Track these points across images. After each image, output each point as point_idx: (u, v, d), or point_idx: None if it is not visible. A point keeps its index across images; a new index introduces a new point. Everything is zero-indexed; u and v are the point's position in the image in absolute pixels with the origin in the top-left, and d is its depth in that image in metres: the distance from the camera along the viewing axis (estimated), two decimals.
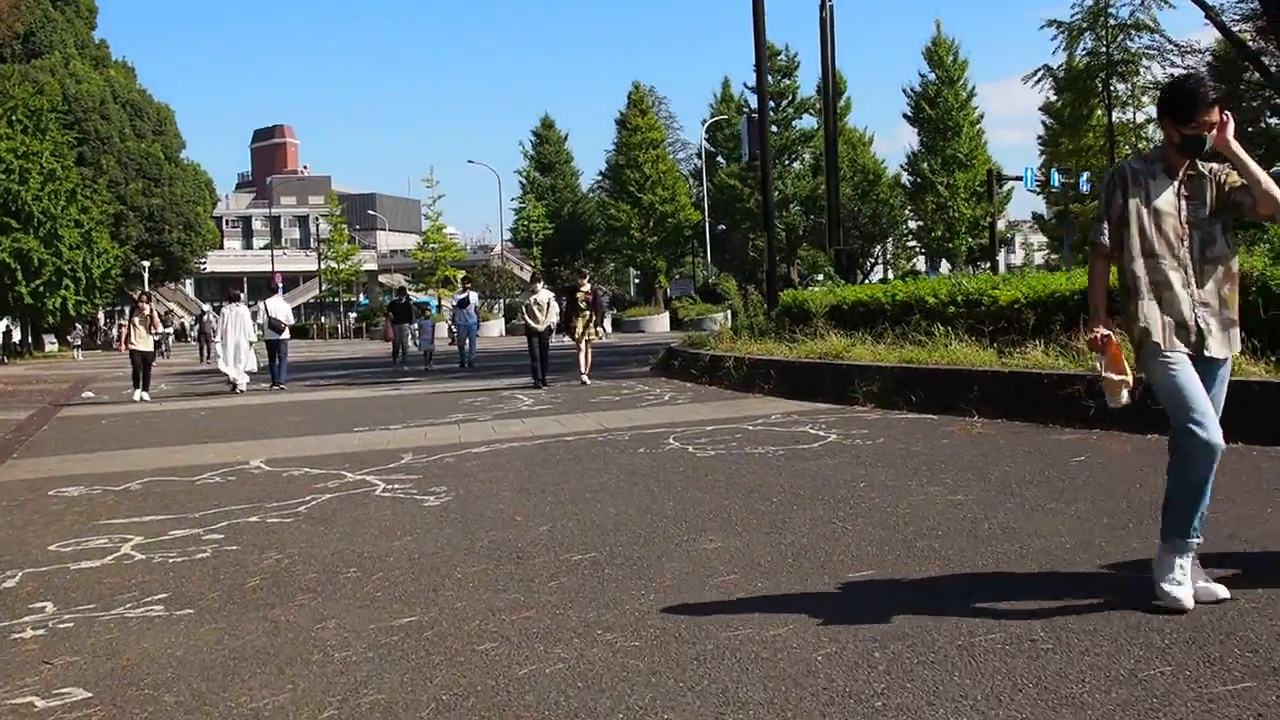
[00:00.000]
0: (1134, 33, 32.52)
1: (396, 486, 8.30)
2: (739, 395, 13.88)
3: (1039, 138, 62.08)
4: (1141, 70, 32.62)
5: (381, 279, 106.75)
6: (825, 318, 14.46)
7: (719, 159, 66.79)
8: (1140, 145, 34.12)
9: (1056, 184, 44.58)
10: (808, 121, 63.60)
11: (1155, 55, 32.75)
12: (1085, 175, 42.46)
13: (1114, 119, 32.67)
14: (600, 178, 76.74)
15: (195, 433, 13.42)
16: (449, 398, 16.65)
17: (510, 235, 74.07)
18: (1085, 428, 8.63)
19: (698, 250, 68.79)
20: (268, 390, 20.70)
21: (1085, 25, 32.91)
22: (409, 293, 30.20)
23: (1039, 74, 36.78)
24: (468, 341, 25.53)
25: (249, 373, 21.26)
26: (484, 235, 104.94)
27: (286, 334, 21.83)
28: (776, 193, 63.10)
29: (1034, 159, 67.10)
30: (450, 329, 29.13)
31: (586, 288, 18.39)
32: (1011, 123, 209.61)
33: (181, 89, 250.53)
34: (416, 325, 26.92)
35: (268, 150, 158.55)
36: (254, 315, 22.04)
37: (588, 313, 18.12)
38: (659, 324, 52.97)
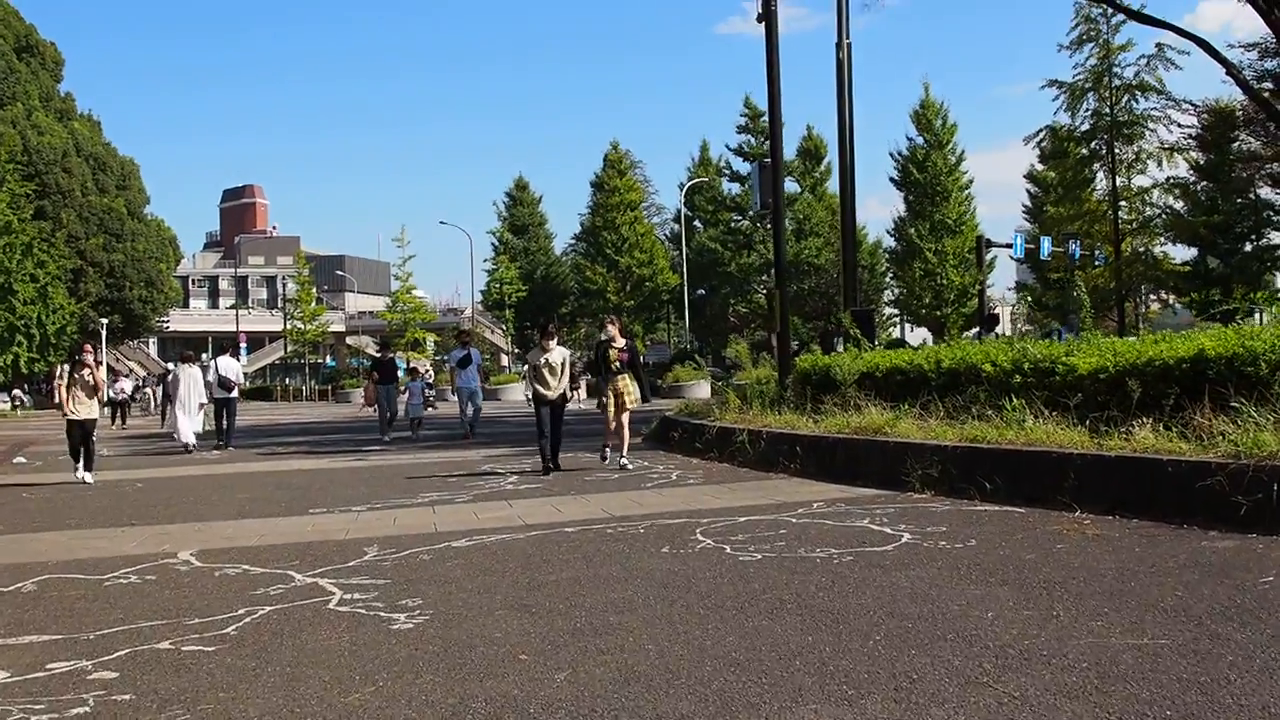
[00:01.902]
0: (1139, 94, 31.24)
1: (357, 597, 6.42)
2: (760, 475, 12.00)
3: (1024, 206, 61.36)
4: (1147, 133, 31.34)
5: (349, 340, 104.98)
6: (855, 387, 12.68)
7: (696, 223, 65.47)
8: (1147, 211, 32.88)
9: (1046, 253, 43.35)
10: (790, 185, 62.37)
11: (1160, 118, 31.49)
12: (1075, 243, 41.27)
13: (1117, 183, 31.32)
14: (574, 241, 75.40)
15: (123, 511, 11.45)
16: (421, 471, 14.73)
17: (481, 297, 72.36)
18: (1236, 531, 6.82)
19: (673, 315, 67.30)
20: (216, 452, 20.02)
21: (1088, 86, 31.65)
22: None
23: (1040, 135, 35.54)
24: (470, 407, 21.93)
25: (197, 434, 21.24)
26: (454, 298, 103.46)
27: (236, 393, 21.82)
28: (758, 256, 61.80)
29: (1008, 230, 65.88)
30: (425, 394, 25.27)
31: (620, 342, 14.22)
32: (981, 194, 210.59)
33: (152, 148, 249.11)
34: (405, 388, 23.78)
35: (237, 210, 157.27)
36: (205, 373, 21.88)
37: (624, 374, 14.07)
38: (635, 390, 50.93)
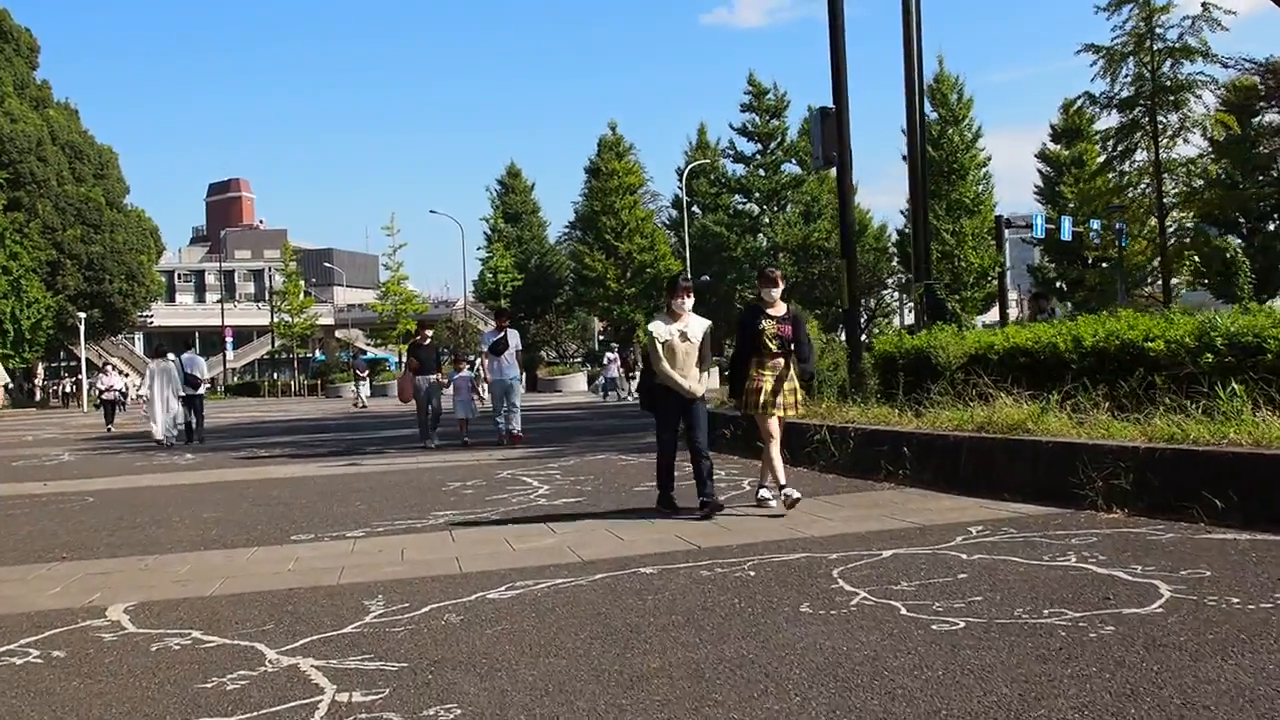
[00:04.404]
0: (1184, 58, 28.95)
1: (358, 698, 4.12)
2: (858, 485, 9.61)
3: (1036, 187, 59.00)
4: (1192, 100, 29.11)
5: (338, 334, 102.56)
6: (962, 372, 10.31)
7: (695, 209, 62.95)
8: (1195, 182, 30.69)
9: (1067, 234, 41.09)
10: (794, 168, 59.90)
11: (1208, 82, 29.15)
12: (1097, 223, 39.07)
13: (1160, 153, 29.09)
14: (568, 228, 72.94)
15: (58, 538, 9.05)
16: (428, 479, 12.36)
17: (474, 288, 69.83)
18: None
19: None
20: (190, 456, 18.10)
21: (1128, 50, 29.34)
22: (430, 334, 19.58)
23: (1079, 101, 33.19)
24: (505, 404, 17.45)
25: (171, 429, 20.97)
26: (444, 291, 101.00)
27: (203, 390, 22.07)
28: (765, 240, 59.38)
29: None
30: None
31: (781, 309, 8.61)
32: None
33: (138, 145, 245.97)
34: (449, 380, 18.93)
35: (223, 204, 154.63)
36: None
37: (781, 356, 8.48)
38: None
